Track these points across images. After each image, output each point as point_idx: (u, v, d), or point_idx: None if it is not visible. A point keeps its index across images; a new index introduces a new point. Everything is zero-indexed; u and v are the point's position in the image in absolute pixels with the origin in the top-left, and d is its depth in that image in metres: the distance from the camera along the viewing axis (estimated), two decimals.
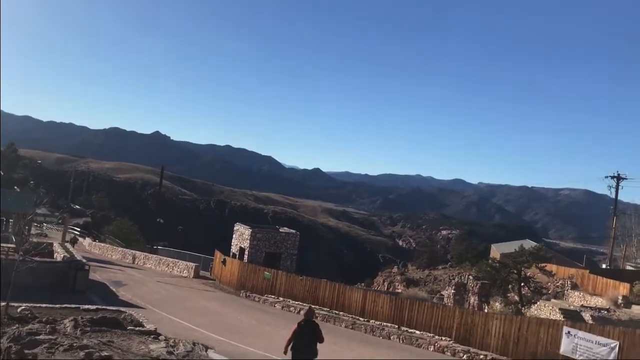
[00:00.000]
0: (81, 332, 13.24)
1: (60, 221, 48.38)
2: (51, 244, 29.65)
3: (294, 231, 37.29)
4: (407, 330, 22.06)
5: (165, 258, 41.38)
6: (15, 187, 52.25)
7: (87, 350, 10.66)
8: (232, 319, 21.78)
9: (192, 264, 36.81)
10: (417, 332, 21.74)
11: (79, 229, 74.79)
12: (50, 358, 10.00)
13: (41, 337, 11.96)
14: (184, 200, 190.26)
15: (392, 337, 21.81)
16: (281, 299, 27.85)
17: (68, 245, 31.70)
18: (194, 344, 13.72)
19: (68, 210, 52.51)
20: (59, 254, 26.30)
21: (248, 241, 34.44)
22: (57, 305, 16.41)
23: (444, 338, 20.79)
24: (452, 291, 35.22)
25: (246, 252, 34.50)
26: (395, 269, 77.75)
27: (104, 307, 17.22)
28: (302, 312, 13.30)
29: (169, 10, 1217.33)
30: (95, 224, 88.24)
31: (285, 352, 11.74)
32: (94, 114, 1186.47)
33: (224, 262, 33.17)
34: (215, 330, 18.09)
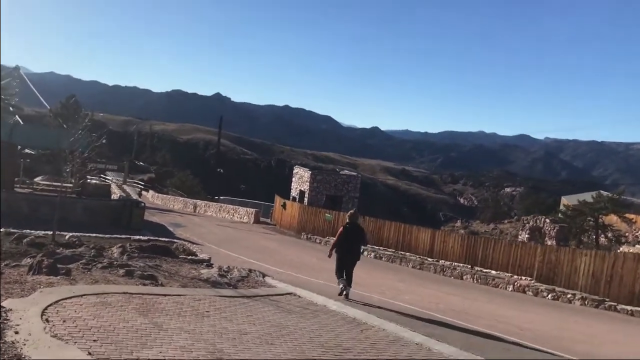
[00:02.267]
0: (128, 257, 12.19)
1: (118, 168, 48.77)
2: (109, 185, 29.43)
3: (355, 173, 35.75)
4: (481, 270, 20.22)
5: (225, 205, 40.99)
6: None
7: (128, 269, 9.51)
8: (291, 256, 20.59)
9: (252, 209, 36.03)
10: (493, 271, 19.85)
11: (142, 183, 76.46)
12: (83, 275, 8.86)
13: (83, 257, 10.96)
14: (245, 159, 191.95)
15: (465, 277, 20.07)
16: None
17: (125, 186, 31.30)
18: (249, 270, 12.46)
19: (128, 160, 52.88)
20: (116, 195, 25.76)
21: (308, 184, 33.14)
22: (107, 235, 15.52)
23: (524, 277, 18.80)
24: (527, 235, 32.82)
25: (306, 195, 33.25)
26: (458, 223, 75.30)
27: (157, 238, 16.25)
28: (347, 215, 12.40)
29: None
30: (159, 179, 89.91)
31: (329, 256, 11.68)
32: (157, 78, 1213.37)
33: (284, 205, 32.07)
34: (274, 264, 16.87)
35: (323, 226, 28.23)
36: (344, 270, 11.43)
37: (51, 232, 15.02)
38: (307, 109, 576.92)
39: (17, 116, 64.44)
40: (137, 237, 15.90)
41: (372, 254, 23.89)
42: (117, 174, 78.53)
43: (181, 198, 51.10)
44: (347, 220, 11.80)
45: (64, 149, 14.32)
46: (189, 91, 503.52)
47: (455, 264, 21.38)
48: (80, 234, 15.30)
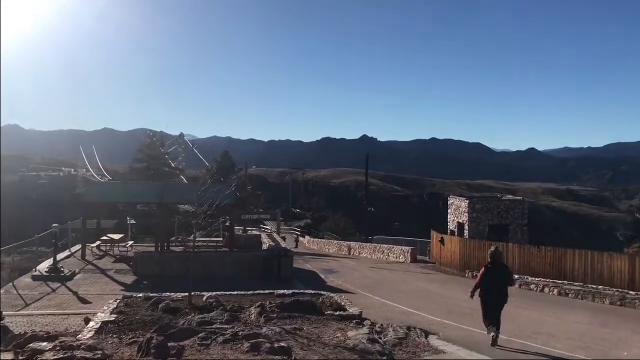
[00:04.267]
0: (265, 319, 10.49)
1: (272, 217, 49.31)
2: (259, 236, 28.92)
3: (520, 198, 31.70)
4: None
5: (380, 245, 38.98)
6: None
7: (254, 341, 7.66)
8: (457, 300, 17.66)
9: (408, 248, 33.49)
10: None
11: (299, 229, 77.78)
12: (198, 355, 7.17)
13: (213, 326, 9.42)
14: (396, 196, 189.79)
15: None
16: (516, 276, 22.86)
17: (275, 235, 30.66)
18: (408, 328, 10.07)
19: (280, 208, 53.57)
20: (265, 244, 24.94)
21: (466, 214, 29.84)
22: (250, 292, 14.11)
23: None
24: None
25: (466, 227, 29.93)
26: None
27: (302, 291, 14.53)
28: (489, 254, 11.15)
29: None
30: (314, 224, 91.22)
31: (471, 297, 10.87)
32: (307, 128, 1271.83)
33: (441, 240, 29.10)
34: (439, 313, 14.27)
35: None
36: (491, 315, 10.53)
37: (194, 294, 14.00)
38: (455, 138, 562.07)
39: (182, 176, 69.32)
40: (281, 291, 14.29)
41: (555, 290, 20.06)
42: (274, 223, 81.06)
43: (335, 241, 50.19)
44: (489, 259, 10.89)
45: (194, 202, 13.26)
46: (337, 137, 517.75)
47: None
48: (221, 292, 14.06)
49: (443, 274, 26.99)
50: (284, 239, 54.33)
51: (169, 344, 7.13)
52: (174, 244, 26.16)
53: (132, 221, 31.20)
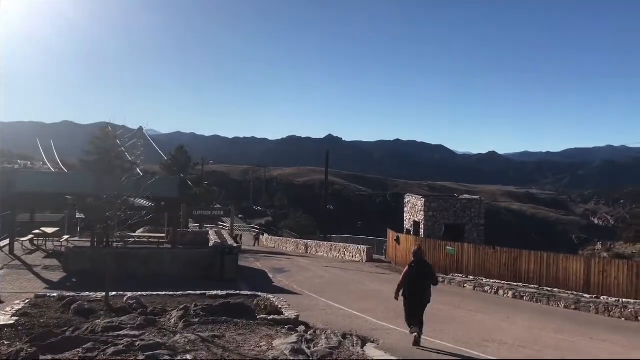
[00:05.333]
0: (185, 324, 9.31)
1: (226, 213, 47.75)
2: (207, 232, 27.56)
3: (477, 197, 31.17)
4: None
5: (336, 244, 38.05)
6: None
7: (152, 353, 6.47)
8: None
9: (364, 247, 32.59)
10: None
11: (258, 227, 76.39)
12: None
13: (119, 332, 8.19)
14: (360, 196, 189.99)
15: None
16: (471, 277, 22.23)
17: (224, 232, 29.32)
18: (344, 336, 9.00)
19: (232, 204, 52.22)
20: (212, 242, 23.64)
21: (422, 213, 29.09)
22: (179, 293, 12.89)
23: None
24: None
25: (421, 226, 29.20)
26: (599, 245, 67.14)
27: (237, 292, 13.36)
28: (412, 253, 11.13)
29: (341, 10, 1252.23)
30: (275, 222, 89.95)
31: (396, 298, 10.62)
32: (272, 126, 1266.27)
33: (397, 240, 28.30)
34: (385, 317, 13.27)
35: (445, 261, 24.09)
36: (414, 315, 10.29)
37: (116, 294, 12.68)
38: (418, 140, 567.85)
39: (138, 170, 67.00)
40: (215, 292, 13.10)
41: (510, 293, 19.38)
42: (237, 220, 79.32)
43: (293, 239, 49.06)
44: (412, 258, 10.79)
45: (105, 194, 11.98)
46: (303, 135, 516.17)
47: (624, 300, 16.42)
48: (147, 293, 12.80)
49: (397, 273, 26.09)
50: (240, 237, 53.01)
51: (42, 358, 5.88)
52: (114, 239, 24.52)
53: (81, 215, 29.37)
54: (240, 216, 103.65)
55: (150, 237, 25.14)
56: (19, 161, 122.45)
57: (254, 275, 22.31)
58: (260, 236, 58.44)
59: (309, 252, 40.52)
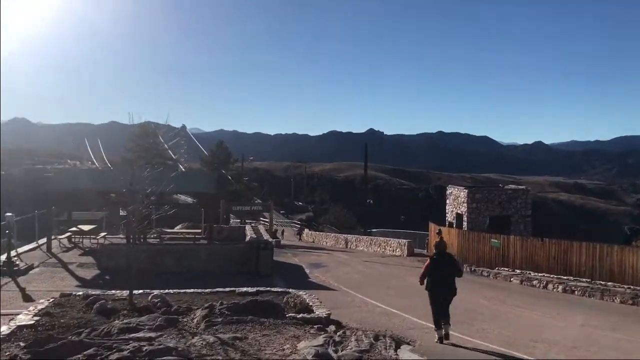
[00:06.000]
0: (207, 324, 8.79)
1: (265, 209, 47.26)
2: (243, 228, 27.20)
3: (523, 187, 29.72)
4: None
5: (376, 238, 37.25)
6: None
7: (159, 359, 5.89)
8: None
9: (405, 241, 31.67)
10: None
11: (299, 222, 76.17)
12: None
13: (136, 334, 7.72)
14: (402, 190, 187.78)
15: None
16: (517, 271, 21.11)
17: (260, 227, 28.90)
18: (376, 337, 8.26)
19: (271, 199, 51.95)
20: (248, 237, 23.24)
21: (465, 205, 27.92)
22: (207, 290, 12.41)
23: None
24: None
25: (464, 219, 28.05)
26: None
27: (267, 289, 12.77)
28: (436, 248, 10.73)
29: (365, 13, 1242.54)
30: (316, 217, 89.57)
31: (421, 283, 10.44)
32: (314, 122, 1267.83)
33: (439, 233, 26.94)
34: (425, 314, 12.41)
35: (490, 255, 23.00)
36: (441, 310, 10.01)
37: (143, 292, 12.32)
38: (462, 132, 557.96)
39: (181, 167, 67.80)
40: (244, 289, 12.55)
41: (560, 287, 18.21)
42: (276, 215, 79.21)
43: (333, 234, 48.55)
44: (435, 250, 10.66)
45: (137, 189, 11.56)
46: (344, 131, 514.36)
47: None
48: (174, 291, 12.35)
49: None
50: (282, 232, 52.76)
51: None
52: (152, 236, 24.46)
53: (124, 212, 29.55)
54: (282, 212, 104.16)
55: (187, 232, 24.94)
56: (68, 161, 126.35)
57: (291, 270, 21.81)
58: (302, 231, 58.23)
59: (348, 246, 39.94)
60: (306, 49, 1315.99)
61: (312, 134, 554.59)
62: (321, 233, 53.60)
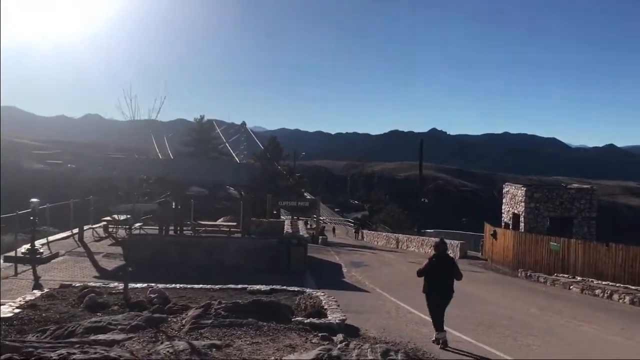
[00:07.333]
0: (192, 327, 7.69)
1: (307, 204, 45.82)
2: (282, 222, 26.11)
3: (587, 187, 27.08)
4: None
5: (428, 239, 35.35)
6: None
7: None
8: (496, 307, 14.13)
9: (457, 242, 29.69)
10: None
11: (353, 221, 75.00)
12: None
13: (101, 336, 6.64)
14: (464, 191, 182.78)
15: None
16: (578, 278, 18.91)
17: (299, 223, 27.73)
18: (385, 352, 6.77)
19: (320, 196, 50.84)
20: (284, 232, 22.11)
21: (523, 204, 25.67)
22: (217, 287, 11.32)
23: None
24: None
25: (521, 219, 25.80)
26: None
27: (283, 288, 11.52)
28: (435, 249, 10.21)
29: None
30: (371, 216, 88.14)
31: (418, 275, 10.07)
32: (374, 122, 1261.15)
33: (493, 234, 25.23)
34: (462, 324, 10.89)
35: (548, 259, 20.85)
36: (438, 313, 9.56)
37: (146, 285, 11.37)
38: (528, 133, 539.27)
39: (237, 160, 68.17)
40: (257, 287, 11.37)
41: (627, 298, 15.99)
42: (330, 212, 78.52)
43: (384, 233, 46.95)
44: (434, 252, 10.23)
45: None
46: (405, 130, 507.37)
47: None
48: (181, 286, 11.38)
49: (493, 272, 23.21)
50: (333, 230, 51.52)
51: None
52: (187, 229, 23.72)
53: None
54: (336, 209, 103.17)
55: (222, 225, 24.05)
56: (136, 155, 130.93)
57: (327, 268, 20.53)
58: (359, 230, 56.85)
59: (399, 246, 38.33)
60: (370, 46, 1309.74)
61: (373, 132, 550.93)
62: (373, 232, 52.12)
